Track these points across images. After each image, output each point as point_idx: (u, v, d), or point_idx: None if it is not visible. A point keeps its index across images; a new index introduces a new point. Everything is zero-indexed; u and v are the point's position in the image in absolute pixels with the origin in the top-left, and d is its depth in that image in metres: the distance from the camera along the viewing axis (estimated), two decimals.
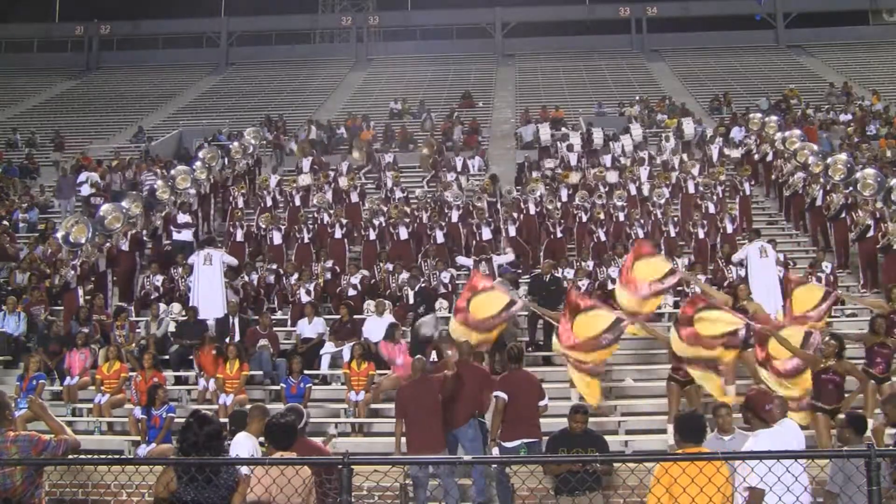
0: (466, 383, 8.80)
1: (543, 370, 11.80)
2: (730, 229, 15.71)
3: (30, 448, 4.68)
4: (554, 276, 13.46)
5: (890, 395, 7.49)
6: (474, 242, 15.83)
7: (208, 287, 13.88)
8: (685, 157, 19.87)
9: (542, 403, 8.73)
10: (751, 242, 14.04)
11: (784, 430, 5.69)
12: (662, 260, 10.78)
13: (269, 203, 18.16)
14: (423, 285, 13.94)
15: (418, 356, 9.41)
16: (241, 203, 18.05)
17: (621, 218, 16.28)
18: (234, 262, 14.90)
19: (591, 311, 9.40)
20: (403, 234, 16.18)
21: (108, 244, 15.04)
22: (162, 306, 14.01)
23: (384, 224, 16.58)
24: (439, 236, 16.08)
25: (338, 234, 16.20)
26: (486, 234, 15.80)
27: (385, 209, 17.22)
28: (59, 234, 14.19)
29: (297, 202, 18.35)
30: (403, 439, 8.61)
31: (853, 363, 9.85)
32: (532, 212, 16.68)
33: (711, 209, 16.39)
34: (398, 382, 11.28)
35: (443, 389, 8.61)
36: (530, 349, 12.65)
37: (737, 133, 22.84)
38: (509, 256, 14.42)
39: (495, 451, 8.47)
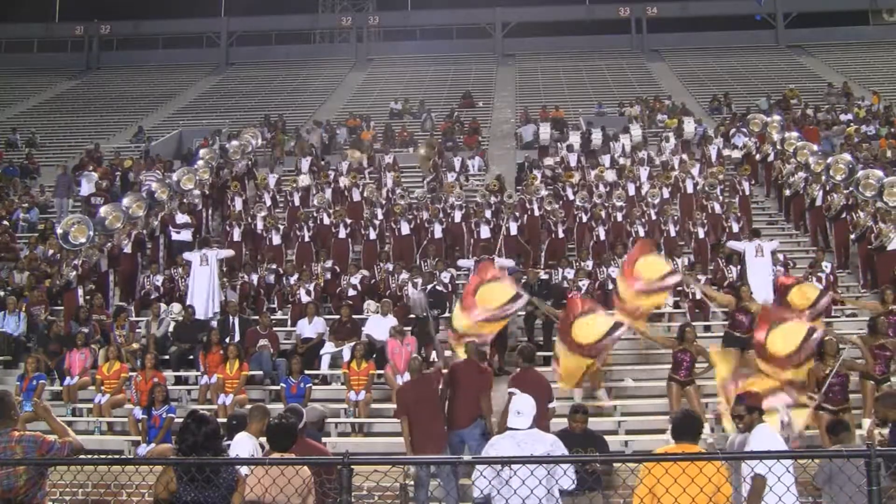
0: (472, 383, 8.80)
1: (544, 370, 11.79)
2: (735, 229, 15.71)
3: (34, 449, 4.67)
4: (542, 281, 13.49)
5: (883, 394, 7.50)
6: (472, 241, 15.85)
7: (203, 287, 13.98)
8: (685, 157, 19.88)
9: (550, 405, 8.75)
10: (750, 241, 14.09)
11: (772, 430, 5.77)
12: (663, 260, 10.76)
13: (269, 203, 18.17)
14: (436, 286, 13.87)
15: (414, 356, 9.43)
16: (238, 205, 18.06)
17: (619, 218, 16.30)
18: (229, 253, 15.00)
19: (591, 314, 9.33)
20: (405, 229, 16.19)
21: (109, 244, 15.05)
22: (162, 306, 14.02)
23: (384, 220, 16.61)
24: (437, 230, 16.09)
25: (342, 233, 16.21)
26: (485, 232, 15.82)
27: (383, 202, 17.27)
28: (59, 232, 14.21)
29: (297, 202, 18.37)
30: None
31: (854, 360, 9.84)
32: (536, 213, 16.69)
33: (717, 209, 16.40)
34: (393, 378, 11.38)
35: (441, 384, 8.65)
36: None
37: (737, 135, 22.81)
38: (509, 261, 14.38)
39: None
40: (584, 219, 16.46)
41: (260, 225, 16.68)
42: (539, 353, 12.55)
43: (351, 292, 14.33)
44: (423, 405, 8.47)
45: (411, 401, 8.57)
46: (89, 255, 14.43)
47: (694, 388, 10.17)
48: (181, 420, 4.83)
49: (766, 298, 12.16)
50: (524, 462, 5.05)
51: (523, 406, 6.00)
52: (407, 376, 10.69)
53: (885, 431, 7.05)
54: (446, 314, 13.94)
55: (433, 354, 11.21)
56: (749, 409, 5.90)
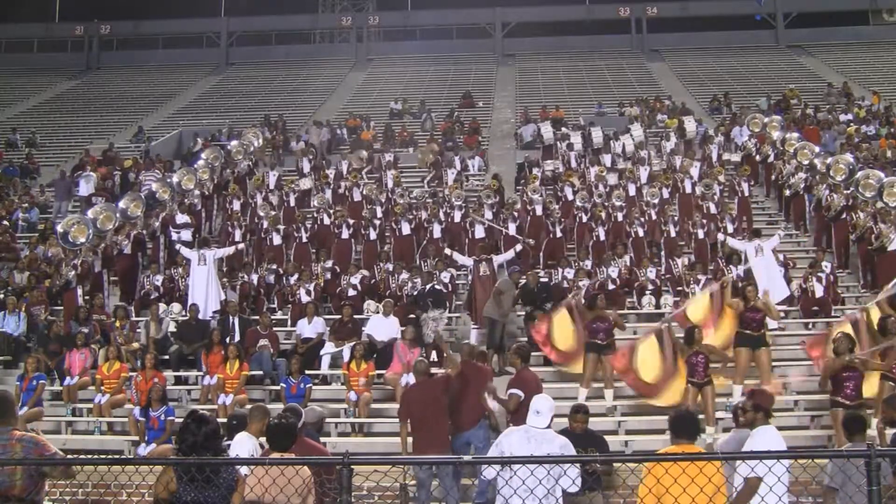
0: (472, 384, 8.80)
1: (544, 370, 11.82)
2: (730, 229, 15.71)
3: (34, 450, 4.67)
4: (542, 284, 13.48)
5: (892, 396, 7.49)
6: (467, 241, 15.85)
7: (201, 286, 14.02)
8: (685, 156, 19.85)
9: None
10: (749, 241, 14.09)
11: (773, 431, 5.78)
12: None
13: (262, 202, 18.15)
14: (436, 286, 13.86)
15: (420, 358, 9.43)
16: (237, 206, 18.04)
17: (619, 218, 16.29)
18: (228, 251, 15.05)
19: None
20: (406, 229, 16.20)
21: (103, 245, 15.05)
22: (162, 306, 14.03)
23: (384, 220, 16.61)
24: (437, 230, 16.10)
25: (345, 234, 16.22)
26: (480, 232, 15.81)
27: (382, 200, 17.28)
28: (59, 231, 14.22)
29: (293, 202, 18.36)
30: (409, 439, 8.61)
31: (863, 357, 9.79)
32: (538, 213, 16.69)
33: (713, 209, 16.39)
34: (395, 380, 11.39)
35: (448, 389, 8.63)
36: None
37: (737, 133, 22.81)
38: (509, 254, 14.40)
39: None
40: (584, 219, 16.46)
41: (265, 223, 16.67)
42: (541, 354, 12.66)
43: (351, 292, 14.33)
44: (427, 408, 8.47)
45: (415, 403, 8.56)
46: (86, 255, 14.44)
47: (711, 388, 10.18)
48: (181, 420, 4.83)
49: (780, 292, 12.45)
50: (523, 462, 5.05)
51: (542, 406, 6.12)
52: (411, 378, 10.68)
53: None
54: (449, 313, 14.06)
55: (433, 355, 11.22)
56: (755, 408, 5.91)
